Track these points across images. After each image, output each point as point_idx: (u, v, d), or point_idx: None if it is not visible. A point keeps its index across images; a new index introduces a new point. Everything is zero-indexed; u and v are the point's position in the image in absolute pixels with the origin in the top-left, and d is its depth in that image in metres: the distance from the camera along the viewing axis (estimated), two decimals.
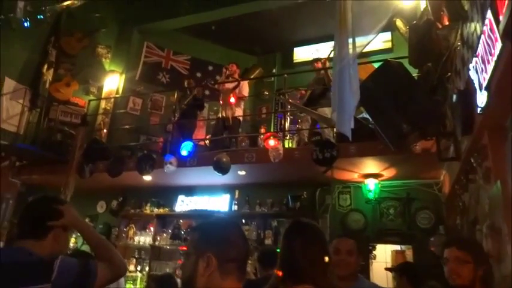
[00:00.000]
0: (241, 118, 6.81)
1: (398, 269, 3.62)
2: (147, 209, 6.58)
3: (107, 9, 8.46)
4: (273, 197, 6.09)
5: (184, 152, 5.62)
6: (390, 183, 5.46)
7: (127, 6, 8.85)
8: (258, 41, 9.51)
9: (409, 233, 5.27)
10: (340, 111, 2.79)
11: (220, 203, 6.35)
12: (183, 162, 5.59)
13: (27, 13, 6.56)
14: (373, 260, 5.66)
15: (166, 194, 6.67)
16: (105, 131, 7.85)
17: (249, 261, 3.46)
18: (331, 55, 6.19)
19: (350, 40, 2.68)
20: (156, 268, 6.07)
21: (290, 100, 6.87)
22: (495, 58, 1.83)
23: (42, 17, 6.79)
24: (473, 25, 2.27)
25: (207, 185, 6.31)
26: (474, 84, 2.26)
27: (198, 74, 9.25)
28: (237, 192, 6.25)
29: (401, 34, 5.29)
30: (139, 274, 6.17)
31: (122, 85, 8.52)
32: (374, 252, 5.69)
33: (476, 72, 2.19)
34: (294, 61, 9.44)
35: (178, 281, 3.58)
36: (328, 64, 6.05)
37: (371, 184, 5.33)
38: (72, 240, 6.28)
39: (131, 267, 6.10)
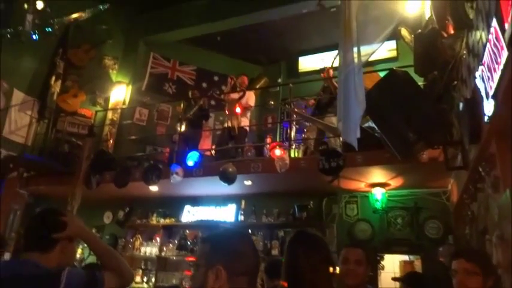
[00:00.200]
0: (247, 128, 6.82)
1: (406, 279, 3.58)
2: (154, 220, 6.57)
3: (114, 22, 8.57)
4: (279, 207, 6.06)
5: (190, 162, 5.63)
6: (397, 192, 5.42)
7: (133, 18, 8.98)
8: (263, 51, 9.57)
9: (418, 243, 5.20)
10: (346, 121, 2.79)
11: (226, 213, 6.33)
12: (189, 173, 5.60)
13: (36, 26, 6.66)
14: (381, 271, 5.59)
15: (173, 204, 6.66)
16: (111, 141, 7.90)
17: None
18: (335, 63, 6.27)
19: (355, 49, 2.68)
20: (162, 279, 6.04)
21: (296, 109, 6.88)
22: (501, 67, 1.82)
23: (50, 29, 6.89)
24: (478, 33, 2.27)
25: (213, 195, 6.30)
26: (481, 92, 2.25)
27: (204, 84, 9.31)
28: (243, 202, 6.22)
29: (407, 43, 5.29)
30: (145, 285, 6.14)
31: (128, 96, 8.59)
32: (382, 262, 5.62)
33: (483, 81, 2.18)
34: (299, 70, 9.45)
35: None
36: (332, 72, 6.07)
37: (378, 193, 5.29)
38: (79, 251, 6.28)
39: (137, 279, 6.08)
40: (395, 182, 5.18)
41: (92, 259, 6.15)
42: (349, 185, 5.39)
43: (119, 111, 8.35)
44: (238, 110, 6.52)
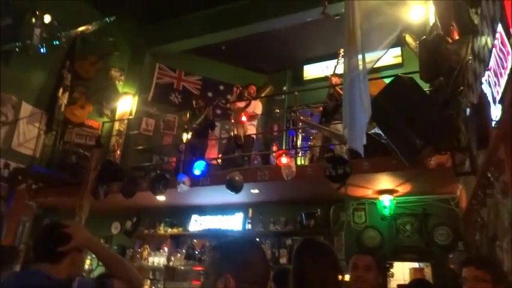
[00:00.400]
0: (254, 136, 6.83)
1: (412, 286, 3.54)
2: (161, 229, 6.58)
3: (120, 34, 8.67)
4: (286, 215, 6.04)
5: (197, 171, 5.65)
6: (405, 199, 5.38)
7: (139, 30, 9.07)
8: (268, 60, 9.61)
9: (427, 250, 5.15)
10: (352, 127, 2.79)
11: (233, 222, 6.32)
12: (196, 182, 5.61)
13: (43, 39, 6.76)
14: (391, 278, 5.53)
15: (180, 213, 6.67)
16: (119, 152, 7.94)
17: None
18: (337, 70, 6.30)
19: (360, 56, 2.69)
20: None
21: (301, 117, 6.88)
22: (508, 71, 1.82)
23: (57, 42, 6.99)
24: (483, 39, 2.27)
25: (220, 203, 6.30)
26: (487, 97, 2.24)
27: (210, 94, 9.36)
28: (250, 211, 6.22)
29: (411, 49, 5.29)
30: None
31: (135, 106, 8.66)
32: (391, 270, 5.57)
33: (489, 86, 2.17)
34: (304, 78, 9.47)
35: None
36: (334, 79, 6.08)
37: (386, 200, 5.26)
38: (87, 262, 6.29)
39: None
40: (403, 189, 5.15)
41: (100, 269, 6.17)
42: (356, 192, 5.36)
43: (126, 121, 8.41)
44: (244, 118, 6.54)
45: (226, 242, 1.30)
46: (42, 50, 6.81)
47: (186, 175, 5.62)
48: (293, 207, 5.99)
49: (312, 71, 9.42)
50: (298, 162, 6.38)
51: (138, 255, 6.50)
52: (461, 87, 3.12)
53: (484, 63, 2.23)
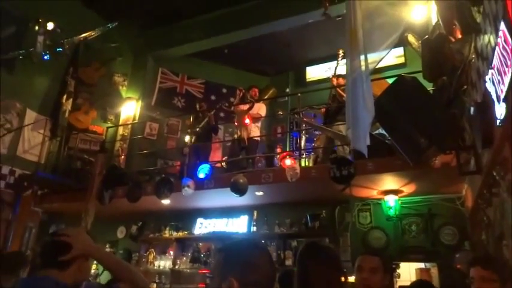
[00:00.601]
0: (258, 138, 6.83)
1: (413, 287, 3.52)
2: (166, 233, 6.58)
3: (122, 39, 8.70)
4: (291, 217, 6.03)
5: (201, 175, 5.65)
6: (411, 199, 5.36)
7: (141, 35, 9.10)
8: (271, 62, 9.62)
9: (433, 250, 5.12)
10: (355, 128, 2.79)
11: (238, 225, 6.32)
12: (200, 185, 5.61)
13: (47, 46, 6.81)
14: (397, 279, 5.51)
15: (185, 217, 6.67)
16: (123, 156, 7.97)
17: None
18: (337, 71, 6.29)
19: (362, 57, 2.69)
20: None
21: (305, 119, 6.88)
22: (511, 69, 1.81)
23: (61, 49, 7.03)
24: (486, 37, 2.26)
25: (225, 206, 6.30)
26: (491, 96, 2.23)
27: (213, 97, 9.37)
28: (255, 213, 6.21)
29: (414, 49, 5.29)
30: None
31: (138, 111, 8.68)
32: (398, 270, 5.54)
33: (493, 84, 2.16)
34: (307, 80, 9.48)
35: None
36: (335, 80, 6.07)
37: (391, 201, 5.24)
38: (94, 266, 6.30)
39: None
40: (408, 189, 5.13)
41: (107, 273, 6.17)
42: (361, 193, 5.35)
43: (130, 126, 8.43)
44: (247, 121, 6.54)
45: (230, 244, 1.29)
46: (45, 57, 6.85)
47: (191, 178, 5.63)
48: (298, 208, 5.99)
49: (315, 72, 9.43)
50: (302, 164, 6.38)
51: (144, 259, 6.51)
52: (465, 86, 3.12)
53: (488, 61, 2.22)
